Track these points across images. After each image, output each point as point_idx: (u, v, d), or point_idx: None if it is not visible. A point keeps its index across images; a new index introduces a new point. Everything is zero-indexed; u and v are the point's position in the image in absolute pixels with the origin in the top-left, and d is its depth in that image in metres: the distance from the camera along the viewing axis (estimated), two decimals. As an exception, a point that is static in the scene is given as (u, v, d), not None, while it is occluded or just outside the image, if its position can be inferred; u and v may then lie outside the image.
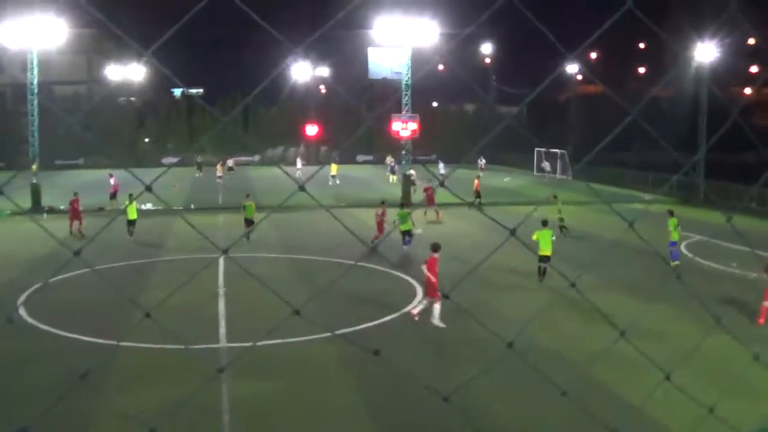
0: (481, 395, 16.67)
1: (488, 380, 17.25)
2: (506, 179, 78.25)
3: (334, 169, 70.66)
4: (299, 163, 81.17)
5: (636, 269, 29.48)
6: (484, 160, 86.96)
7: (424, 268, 22.87)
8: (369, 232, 35.90)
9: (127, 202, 39.07)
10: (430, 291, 22.78)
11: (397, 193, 55.62)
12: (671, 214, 30.82)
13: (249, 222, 38.88)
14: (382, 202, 38.48)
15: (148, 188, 3.00)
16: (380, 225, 37.21)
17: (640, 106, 3.33)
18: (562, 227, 38.81)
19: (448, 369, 18.86)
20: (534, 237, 28.31)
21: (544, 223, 29.28)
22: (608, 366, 17.89)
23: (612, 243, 31.84)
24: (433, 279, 22.58)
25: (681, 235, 32.06)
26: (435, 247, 23.40)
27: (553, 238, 29.09)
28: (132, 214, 38.10)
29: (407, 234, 36.22)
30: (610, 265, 30.49)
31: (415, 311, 23.19)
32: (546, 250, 28.30)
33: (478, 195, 51.84)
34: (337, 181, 68.36)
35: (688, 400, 3.97)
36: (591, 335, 20.51)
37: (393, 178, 70.26)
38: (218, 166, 74.94)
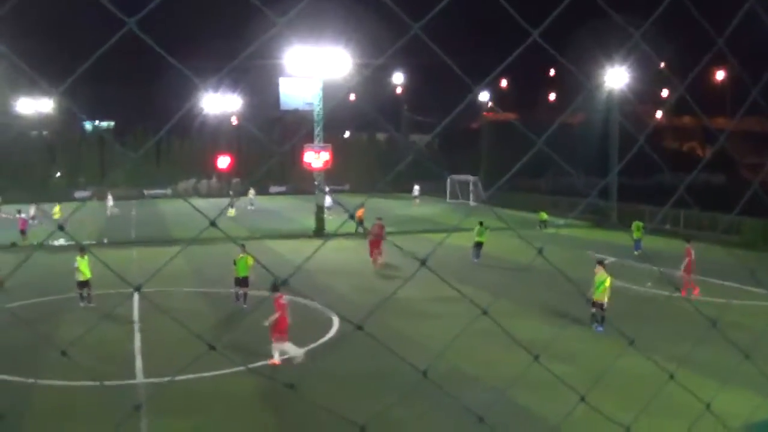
0: (401, 425, 16.68)
1: (407, 410, 17.28)
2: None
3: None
4: (110, 200, 76.71)
5: (551, 292, 29.70)
6: (328, 189, 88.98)
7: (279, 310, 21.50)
8: (283, 262, 35.72)
9: (78, 257, 29.35)
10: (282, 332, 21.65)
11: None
12: (601, 263, 27.02)
13: (242, 281, 29.99)
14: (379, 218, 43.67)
15: (61, 227, 2.95)
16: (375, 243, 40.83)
17: (545, 135, 3.39)
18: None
19: (368, 399, 18.78)
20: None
21: (600, 263, 26.96)
22: (530, 390, 17.97)
23: (526, 268, 32.07)
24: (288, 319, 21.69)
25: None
26: (276, 287, 21.90)
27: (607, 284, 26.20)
28: (85, 273, 29.28)
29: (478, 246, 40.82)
30: (525, 290, 30.83)
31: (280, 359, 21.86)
32: (599, 296, 25.84)
33: (360, 223, 51.70)
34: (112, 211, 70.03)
35: (608, 419, 4.02)
36: (511, 360, 20.58)
37: (231, 211, 69.41)
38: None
